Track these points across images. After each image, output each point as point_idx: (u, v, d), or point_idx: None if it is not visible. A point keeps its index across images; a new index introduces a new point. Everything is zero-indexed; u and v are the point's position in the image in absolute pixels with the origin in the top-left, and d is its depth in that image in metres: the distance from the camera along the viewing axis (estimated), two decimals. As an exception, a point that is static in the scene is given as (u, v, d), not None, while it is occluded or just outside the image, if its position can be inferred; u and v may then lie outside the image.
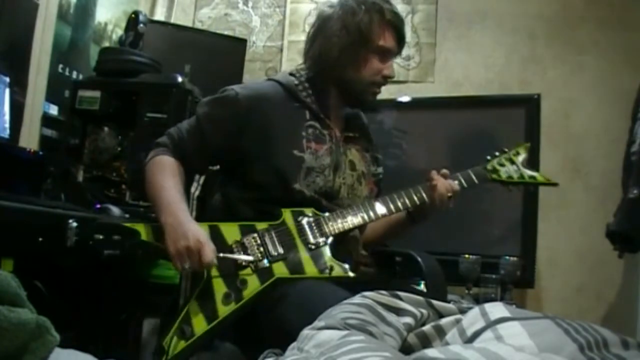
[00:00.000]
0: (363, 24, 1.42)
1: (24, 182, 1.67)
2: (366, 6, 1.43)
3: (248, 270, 1.28)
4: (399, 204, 1.41)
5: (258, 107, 1.41)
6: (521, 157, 1.52)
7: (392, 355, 0.69)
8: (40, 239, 1.40)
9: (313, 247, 1.32)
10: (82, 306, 1.76)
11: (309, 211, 1.36)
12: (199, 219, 1.40)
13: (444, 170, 1.46)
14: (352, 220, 1.36)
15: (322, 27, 1.47)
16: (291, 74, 1.51)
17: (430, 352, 0.69)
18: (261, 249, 1.30)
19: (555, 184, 1.51)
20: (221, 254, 1.26)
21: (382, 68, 1.46)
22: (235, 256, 1.28)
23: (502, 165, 1.50)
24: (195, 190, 2.15)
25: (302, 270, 1.29)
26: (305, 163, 1.38)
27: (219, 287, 1.26)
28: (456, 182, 1.45)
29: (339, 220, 1.35)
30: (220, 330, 1.26)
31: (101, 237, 1.44)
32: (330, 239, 1.33)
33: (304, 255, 1.31)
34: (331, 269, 1.29)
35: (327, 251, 1.31)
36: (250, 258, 1.28)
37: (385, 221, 1.50)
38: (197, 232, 1.25)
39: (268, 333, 1.23)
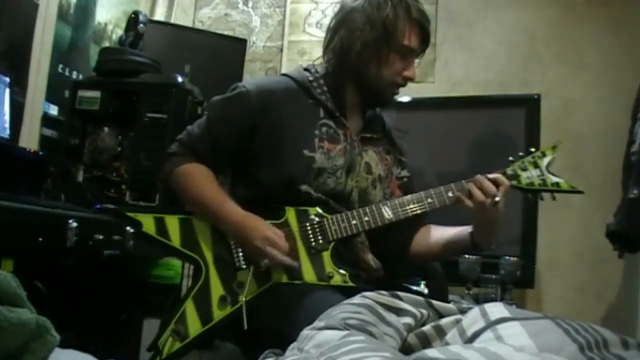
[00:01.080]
0: (388, 20, 1.34)
1: (24, 182, 1.67)
2: (392, 1, 1.35)
3: (246, 273, 1.26)
4: (408, 209, 1.32)
5: (269, 104, 1.36)
6: (546, 160, 1.37)
7: (392, 356, 0.69)
8: (40, 239, 1.39)
9: (314, 251, 1.29)
10: (82, 306, 1.76)
11: (313, 211, 1.31)
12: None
13: (493, 175, 1.32)
14: (357, 224, 1.31)
15: (345, 19, 1.39)
16: (306, 69, 1.45)
17: (430, 352, 0.69)
18: None
19: (580, 192, 1.36)
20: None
21: (404, 68, 1.39)
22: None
23: (524, 169, 1.36)
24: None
25: (300, 276, 1.27)
26: (315, 163, 1.32)
27: (216, 289, 1.26)
28: (507, 181, 1.32)
29: (343, 225, 1.30)
30: (214, 332, 1.26)
31: (101, 237, 1.45)
32: (332, 244, 1.29)
33: (305, 260, 1.28)
34: (330, 276, 1.27)
35: (328, 257, 1.28)
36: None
37: (445, 241, 1.43)
38: (259, 229, 1.26)
39: (263, 334, 1.23)
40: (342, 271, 1.27)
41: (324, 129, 1.37)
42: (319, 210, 1.31)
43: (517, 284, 2.23)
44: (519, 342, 0.69)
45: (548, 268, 2.60)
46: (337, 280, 1.26)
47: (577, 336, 0.70)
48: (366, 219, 1.31)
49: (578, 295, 2.59)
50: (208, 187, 1.36)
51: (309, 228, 1.30)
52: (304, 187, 1.32)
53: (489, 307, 0.80)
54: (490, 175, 1.32)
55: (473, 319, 0.78)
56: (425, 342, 0.84)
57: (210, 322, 1.23)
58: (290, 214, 1.31)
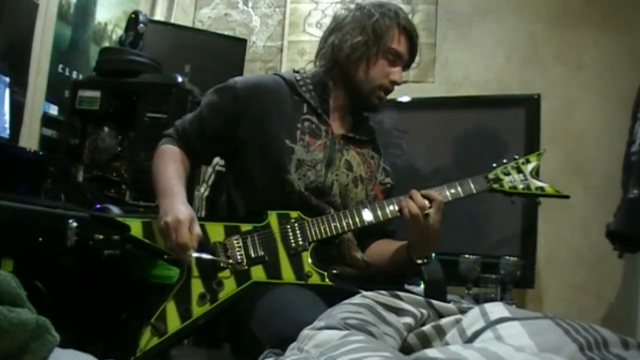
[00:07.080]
0: (378, 25, 1.43)
1: (24, 182, 1.67)
2: (383, 10, 1.45)
3: (226, 272, 1.29)
4: (387, 211, 1.36)
5: (256, 96, 1.42)
6: (531, 166, 1.41)
7: (392, 355, 0.69)
8: (40, 239, 1.40)
9: (293, 252, 1.32)
10: (82, 306, 1.76)
11: (294, 214, 1.35)
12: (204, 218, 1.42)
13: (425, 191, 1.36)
14: (337, 226, 1.34)
15: (337, 26, 1.48)
16: (296, 71, 1.53)
17: (430, 352, 0.69)
18: (242, 251, 1.30)
19: (566, 197, 1.39)
20: (195, 255, 1.26)
21: (391, 72, 1.46)
22: (211, 257, 1.28)
23: (507, 174, 1.40)
24: (204, 191, 2.15)
25: (279, 276, 1.29)
26: (295, 154, 1.37)
27: (196, 287, 1.28)
28: (440, 193, 1.35)
29: (323, 227, 1.34)
30: (194, 329, 1.28)
31: (101, 237, 1.46)
32: (312, 245, 1.32)
33: (284, 260, 1.31)
34: (309, 276, 1.29)
35: (307, 257, 1.31)
36: (226, 260, 1.28)
37: (388, 253, 1.45)
38: (180, 212, 1.26)
39: (243, 334, 1.25)
40: (320, 271, 1.30)
41: (306, 124, 1.43)
42: (300, 214, 1.35)
43: (517, 284, 2.23)
44: (519, 342, 0.69)
45: (548, 268, 2.60)
46: (315, 279, 1.29)
47: (577, 336, 0.70)
48: (346, 221, 1.35)
49: (578, 295, 2.59)
50: (170, 166, 1.40)
51: (289, 229, 1.34)
52: (288, 177, 1.36)
53: (489, 307, 0.80)
54: (423, 191, 1.35)
55: (473, 318, 0.78)
56: (425, 342, 0.84)
57: (190, 319, 1.25)
58: (272, 217, 1.35)
